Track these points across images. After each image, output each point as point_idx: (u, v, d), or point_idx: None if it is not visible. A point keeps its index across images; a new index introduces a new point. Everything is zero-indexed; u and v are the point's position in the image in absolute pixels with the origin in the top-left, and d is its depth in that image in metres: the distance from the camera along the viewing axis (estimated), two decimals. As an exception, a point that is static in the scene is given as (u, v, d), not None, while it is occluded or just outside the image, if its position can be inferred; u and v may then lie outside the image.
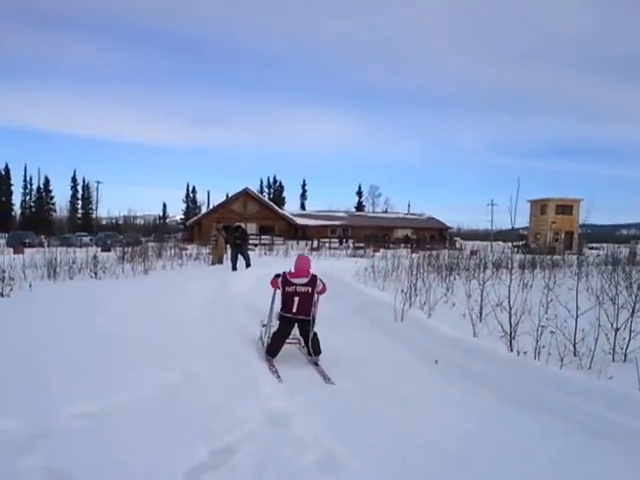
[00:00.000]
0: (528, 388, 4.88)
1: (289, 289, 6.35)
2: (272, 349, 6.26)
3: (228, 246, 18.66)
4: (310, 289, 6.37)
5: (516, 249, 44.17)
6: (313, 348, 6.24)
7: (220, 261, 19.35)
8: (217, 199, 76.45)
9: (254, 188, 63.19)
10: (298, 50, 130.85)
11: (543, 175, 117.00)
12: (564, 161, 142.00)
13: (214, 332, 7.29)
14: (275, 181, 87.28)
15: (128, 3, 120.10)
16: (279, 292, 6.49)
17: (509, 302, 6.26)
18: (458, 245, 43.52)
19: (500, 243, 51.55)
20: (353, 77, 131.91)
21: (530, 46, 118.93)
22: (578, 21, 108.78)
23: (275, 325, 6.48)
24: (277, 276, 6.61)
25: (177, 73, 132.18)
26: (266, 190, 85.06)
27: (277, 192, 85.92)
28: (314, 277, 6.50)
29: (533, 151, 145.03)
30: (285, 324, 6.37)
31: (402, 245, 40.52)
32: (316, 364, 6.10)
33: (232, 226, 19.82)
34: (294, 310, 6.31)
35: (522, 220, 55.89)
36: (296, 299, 6.31)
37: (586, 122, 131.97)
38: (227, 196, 60.11)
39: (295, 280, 6.38)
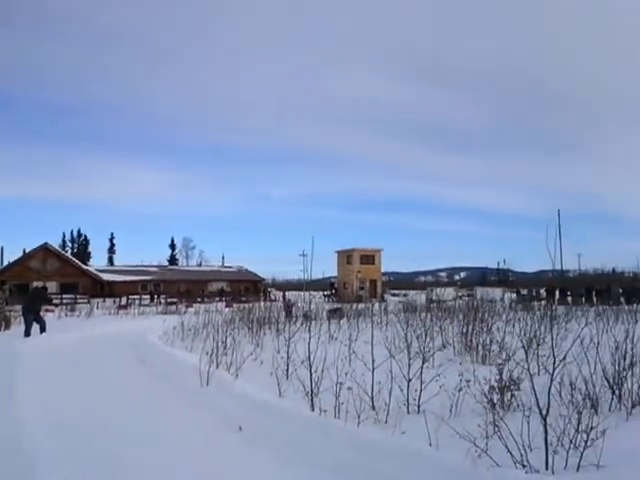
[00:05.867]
0: (330, 450, 4.82)
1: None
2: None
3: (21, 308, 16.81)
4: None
5: (326, 298, 46.46)
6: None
7: (7, 326, 17.27)
8: (13, 255, 68.34)
9: (56, 243, 58.28)
10: (111, 103, 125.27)
11: (350, 226, 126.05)
12: (369, 213, 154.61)
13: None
14: (80, 235, 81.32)
15: None
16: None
17: (309, 359, 6.29)
18: (272, 296, 44.25)
19: (312, 293, 53.73)
20: (167, 131, 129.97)
21: (340, 109, 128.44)
22: (383, 92, 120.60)
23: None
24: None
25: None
26: (69, 245, 78.83)
27: (82, 247, 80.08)
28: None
29: (342, 204, 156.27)
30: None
31: (217, 299, 39.95)
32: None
33: (32, 286, 18.17)
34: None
35: (331, 269, 59.15)
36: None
37: (387, 178, 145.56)
38: (24, 252, 54.28)
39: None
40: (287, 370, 7.90)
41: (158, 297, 40.74)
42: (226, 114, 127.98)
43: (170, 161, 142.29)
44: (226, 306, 28.21)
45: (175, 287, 47.27)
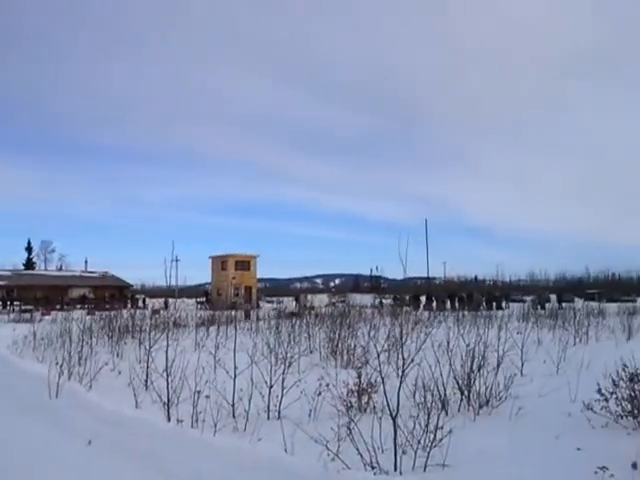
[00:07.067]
0: (185, 460, 4.63)
1: None
2: None
3: None
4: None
5: (199, 305, 45.45)
6: None
7: None
8: None
9: None
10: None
11: (226, 232, 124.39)
12: (246, 219, 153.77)
13: None
14: None
15: None
16: None
17: (167, 368, 6.03)
18: (142, 304, 42.39)
19: (185, 299, 52.25)
20: (25, 126, 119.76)
21: (219, 111, 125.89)
22: (264, 96, 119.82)
23: None
24: None
25: None
26: None
27: None
28: None
29: (217, 209, 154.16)
30: None
31: (78, 306, 37.42)
32: None
33: None
34: None
35: (205, 275, 57.85)
36: None
37: (265, 184, 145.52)
38: None
39: None
40: (146, 380, 7.53)
41: (11, 304, 37.38)
42: (96, 111, 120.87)
43: (28, 158, 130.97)
44: (88, 314, 26.52)
45: (31, 293, 43.40)
